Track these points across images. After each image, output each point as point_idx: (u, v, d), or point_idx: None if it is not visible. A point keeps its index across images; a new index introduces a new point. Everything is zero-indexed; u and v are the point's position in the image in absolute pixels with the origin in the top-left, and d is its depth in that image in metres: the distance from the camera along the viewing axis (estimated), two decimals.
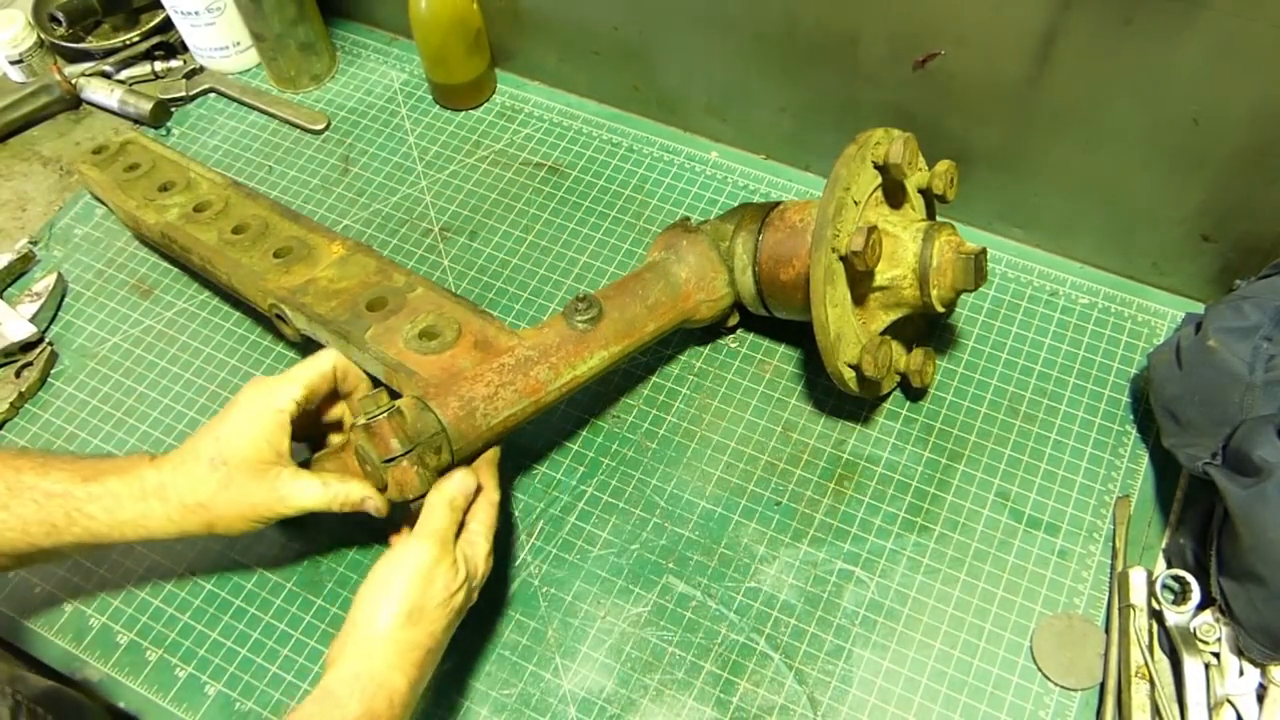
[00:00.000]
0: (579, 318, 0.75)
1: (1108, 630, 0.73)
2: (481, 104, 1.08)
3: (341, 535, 0.80)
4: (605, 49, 1.01)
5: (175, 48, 1.13)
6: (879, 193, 0.77)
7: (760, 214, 0.81)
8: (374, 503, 0.67)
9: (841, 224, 0.71)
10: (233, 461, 0.64)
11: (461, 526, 0.66)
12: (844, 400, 0.84)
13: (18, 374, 0.89)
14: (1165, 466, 0.79)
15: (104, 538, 0.65)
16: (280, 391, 0.66)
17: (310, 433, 0.73)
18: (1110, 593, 0.74)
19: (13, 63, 1.09)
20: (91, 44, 1.12)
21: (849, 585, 0.76)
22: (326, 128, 1.07)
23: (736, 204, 0.92)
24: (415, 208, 1.00)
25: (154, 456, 0.67)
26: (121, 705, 0.74)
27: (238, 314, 0.94)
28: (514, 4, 1.02)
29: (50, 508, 0.64)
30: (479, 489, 0.68)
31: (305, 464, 0.74)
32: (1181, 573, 0.71)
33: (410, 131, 1.07)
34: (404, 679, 0.59)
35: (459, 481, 0.66)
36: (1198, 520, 0.74)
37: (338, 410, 0.74)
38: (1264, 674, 0.66)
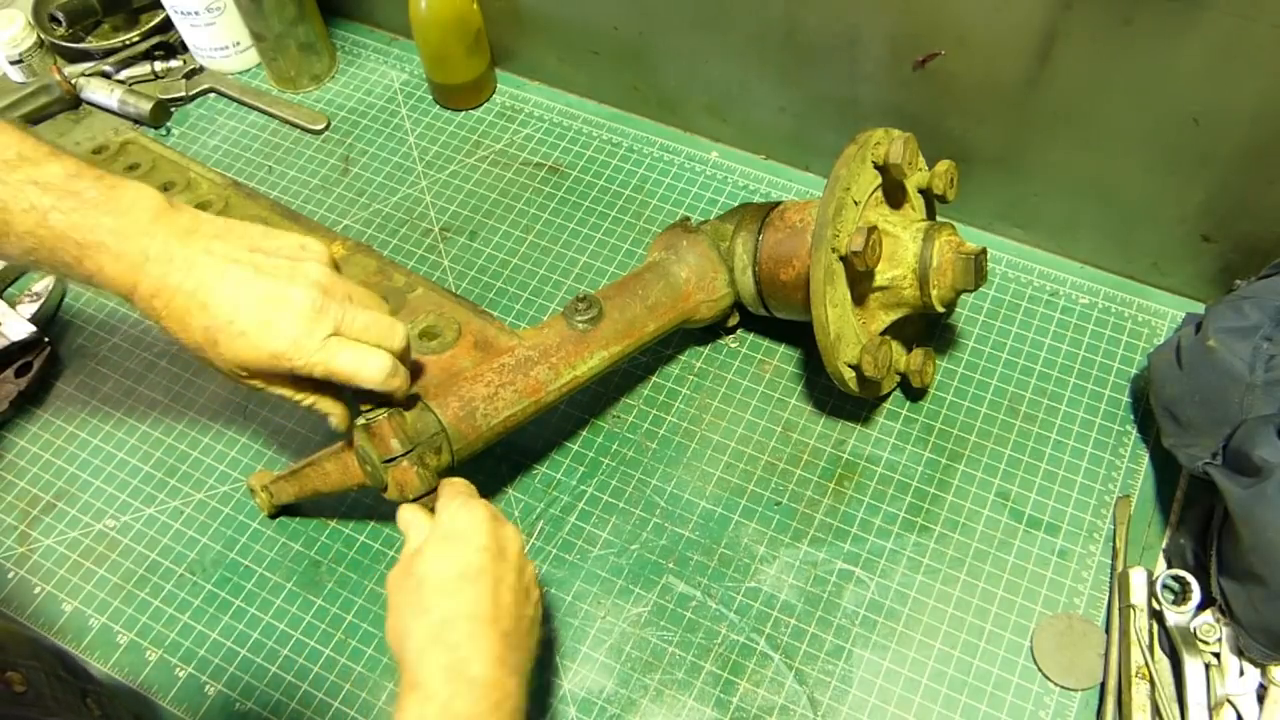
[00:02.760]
0: (579, 318, 0.75)
1: (1108, 630, 0.73)
2: (481, 104, 1.08)
3: (342, 534, 0.81)
4: (605, 49, 1.01)
5: (175, 48, 1.13)
6: (879, 193, 0.77)
7: (760, 214, 0.81)
8: (398, 381, 0.61)
9: (841, 224, 0.71)
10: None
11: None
12: (844, 400, 0.84)
13: (18, 374, 0.89)
14: (1165, 466, 0.79)
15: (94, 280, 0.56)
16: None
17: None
18: (1110, 593, 0.74)
19: (13, 63, 1.09)
20: (91, 44, 1.12)
21: (849, 585, 0.76)
22: (326, 128, 1.07)
23: (736, 204, 0.92)
24: (415, 208, 1.00)
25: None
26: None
27: None
28: (514, 4, 1.02)
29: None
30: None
31: (296, 470, 0.74)
32: (1181, 573, 0.71)
33: (410, 131, 1.07)
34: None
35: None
36: (1198, 520, 0.74)
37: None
38: (1264, 674, 0.66)
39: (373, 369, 0.59)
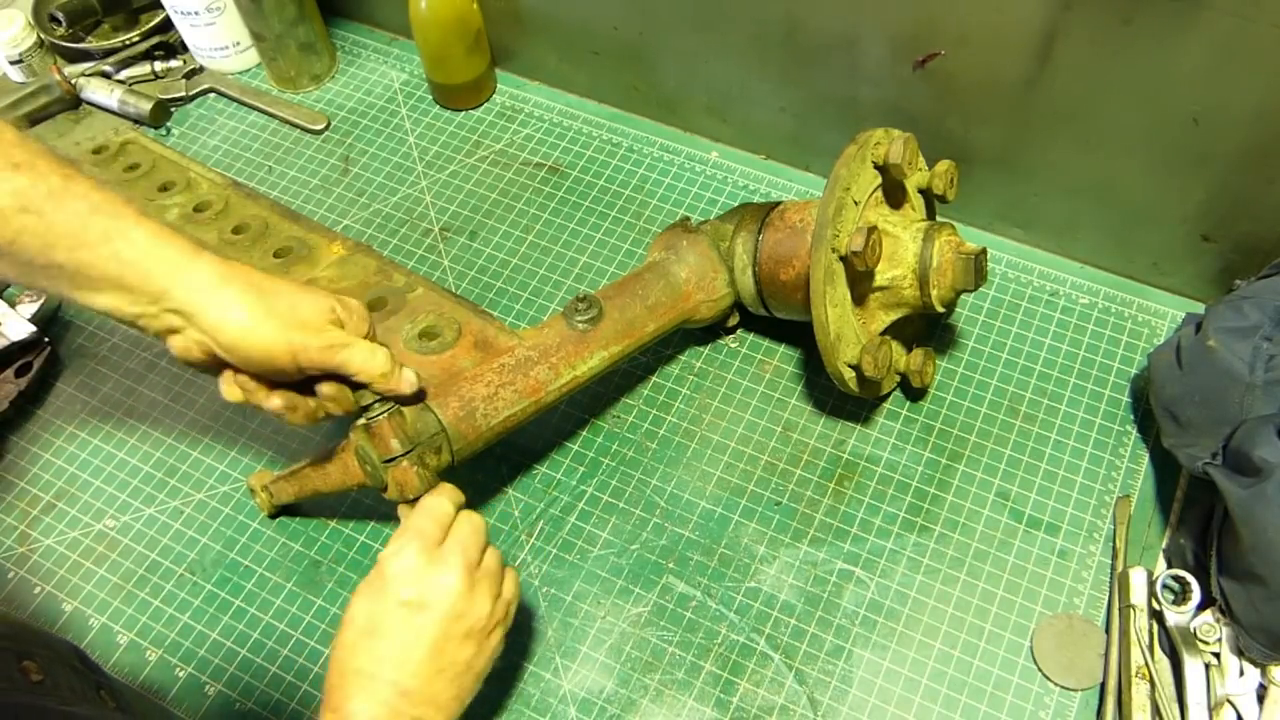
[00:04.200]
0: (579, 318, 0.75)
1: (1108, 630, 0.73)
2: (481, 104, 1.08)
3: (342, 534, 0.81)
4: (605, 49, 1.01)
5: (175, 48, 1.13)
6: (879, 193, 0.77)
7: (760, 214, 0.81)
8: (411, 375, 0.65)
9: (841, 224, 0.71)
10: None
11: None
12: (844, 400, 0.84)
13: (18, 374, 0.89)
14: (1165, 466, 0.79)
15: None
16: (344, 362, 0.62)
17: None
18: (1110, 593, 0.74)
19: (13, 63, 1.09)
20: (91, 44, 1.12)
21: (849, 585, 0.76)
22: (326, 128, 1.07)
23: (736, 204, 0.92)
24: (415, 208, 1.00)
25: (224, 269, 0.59)
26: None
27: None
28: (514, 4, 1.02)
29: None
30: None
31: (296, 470, 0.74)
32: (1181, 573, 0.71)
33: (410, 131, 1.07)
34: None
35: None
36: (1198, 520, 0.74)
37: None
38: (1264, 674, 0.66)
39: (380, 360, 0.62)
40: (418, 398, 0.67)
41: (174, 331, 0.59)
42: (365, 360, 0.62)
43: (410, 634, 0.58)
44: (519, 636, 0.75)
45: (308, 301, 0.60)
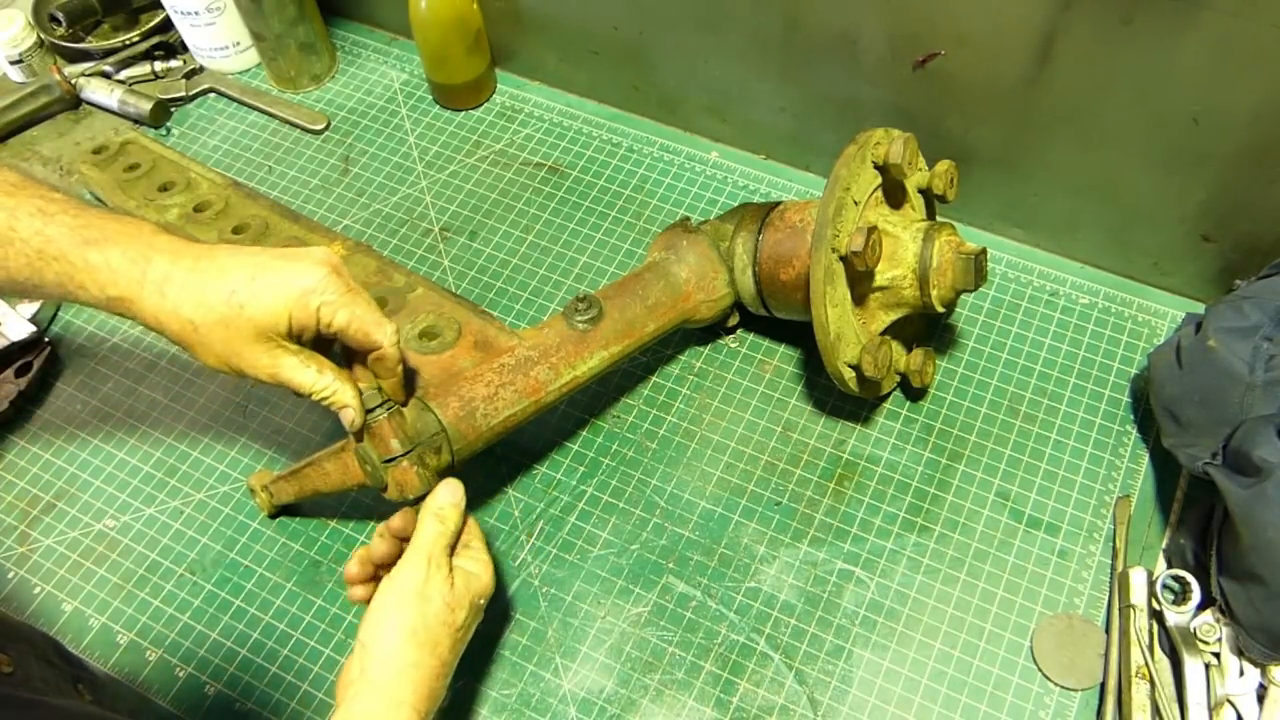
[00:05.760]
0: (579, 318, 0.75)
1: (1108, 630, 0.73)
2: (481, 104, 1.08)
3: (342, 534, 0.81)
4: (605, 49, 1.01)
5: (175, 48, 1.13)
6: (879, 193, 0.77)
7: (760, 214, 0.81)
8: (351, 414, 0.63)
9: (841, 224, 0.71)
10: (250, 309, 0.59)
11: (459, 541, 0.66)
12: (844, 400, 0.84)
13: (18, 374, 0.89)
14: (1165, 466, 0.79)
15: (85, 303, 0.60)
16: (333, 305, 0.62)
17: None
18: (1110, 593, 0.74)
19: (13, 63, 1.09)
20: (91, 44, 1.12)
21: (849, 585, 0.76)
22: (326, 128, 1.07)
23: (736, 204, 0.92)
24: (415, 208, 1.00)
25: (167, 231, 0.61)
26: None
27: None
28: (514, 4, 1.02)
29: (41, 266, 0.58)
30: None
31: (296, 470, 0.74)
32: (1181, 573, 0.71)
33: (410, 131, 1.07)
34: (415, 714, 0.58)
35: (444, 492, 0.65)
36: (1198, 520, 0.74)
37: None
38: (1264, 674, 0.66)
39: (389, 328, 0.63)
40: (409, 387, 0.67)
41: None
42: (377, 319, 0.63)
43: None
44: (519, 636, 0.75)
45: (311, 256, 0.61)
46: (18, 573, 0.80)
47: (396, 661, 0.58)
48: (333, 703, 0.73)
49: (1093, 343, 0.87)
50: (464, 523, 0.66)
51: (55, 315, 0.94)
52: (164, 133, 1.09)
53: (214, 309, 0.59)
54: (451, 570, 0.63)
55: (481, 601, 0.65)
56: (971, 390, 0.85)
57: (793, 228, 0.78)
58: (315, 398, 0.62)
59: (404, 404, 0.67)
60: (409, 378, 0.69)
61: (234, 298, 0.59)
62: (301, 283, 0.60)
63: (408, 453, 0.64)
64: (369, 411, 0.64)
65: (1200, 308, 0.87)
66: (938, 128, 0.86)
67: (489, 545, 0.68)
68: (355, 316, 0.62)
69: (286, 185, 1.03)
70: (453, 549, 0.65)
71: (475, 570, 0.65)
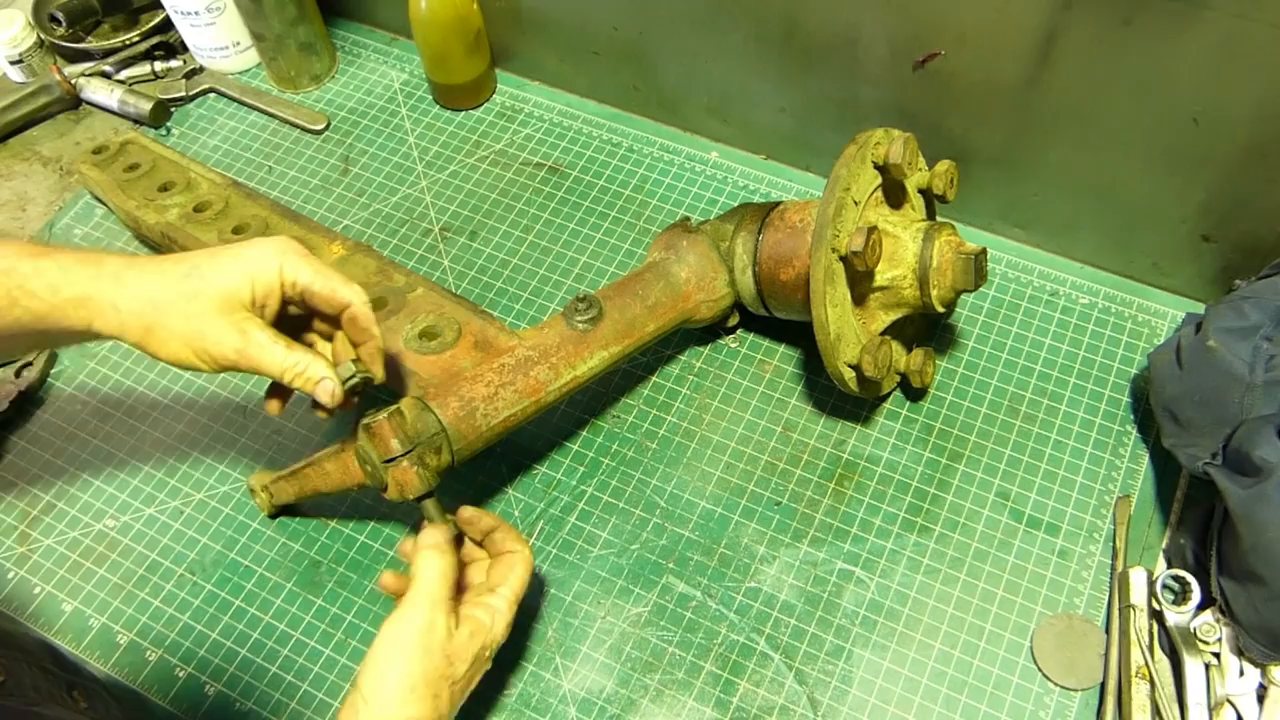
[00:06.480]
0: (579, 318, 0.75)
1: (1108, 630, 0.73)
2: (481, 104, 1.08)
3: (342, 534, 0.81)
4: (605, 49, 1.01)
5: (175, 48, 1.13)
6: (879, 193, 0.77)
7: (760, 214, 0.81)
8: (330, 385, 0.60)
9: (841, 224, 0.71)
10: (210, 279, 0.57)
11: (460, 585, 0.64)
12: (844, 400, 0.84)
13: (18, 374, 0.89)
14: (1165, 466, 0.79)
15: (45, 320, 0.56)
16: (295, 264, 0.60)
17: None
18: (1110, 593, 0.74)
19: (13, 63, 1.09)
20: (91, 44, 1.12)
21: (849, 585, 0.76)
22: (326, 128, 1.07)
23: (736, 204, 0.92)
24: (415, 208, 1.00)
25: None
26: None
27: None
28: (514, 4, 1.02)
29: None
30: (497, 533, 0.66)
31: (296, 470, 0.74)
32: (1181, 573, 0.71)
33: (410, 131, 1.07)
34: None
35: (430, 534, 0.63)
36: (1198, 520, 0.74)
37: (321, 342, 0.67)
38: (1264, 674, 0.66)
39: (357, 287, 0.61)
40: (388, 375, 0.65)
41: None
42: (271, 361, 0.59)
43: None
44: (519, 637, 0.75)
45: (210, 327, 0.57)
46: (18, 573, 0.80)
47: (394, 717, 0.56)
48: (333, 703, 0.73)
49: (1093, 343, 0.87)
50: (458, 570, 0.63)
51: None
52: (164, 133, 1.09)
53: (174, 284, 0.56)
54: (459, 617, 0.60)
55: (488, 653, 0.62)
56: (971, 390, 0.85)
57: (793, 228, 0.78)
58: (288, 377, 0.59)
59: (381, 378, 0.64)
60: (394, 371, 0.68)
61: (195, 271, 0.57)
62: (262, 250, 0.59)
63: (408, 453, 0.64)
64: (369, 412, 0.64)
65: (1200, 308, 0.87)
66: (938, 128, 0.86)
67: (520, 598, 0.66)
68: (320, 272, 0.60)
69: (286, 185, 1.03)
70: (461, 588, 0.62)
71: (485, 620, 0.62)
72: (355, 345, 0.63)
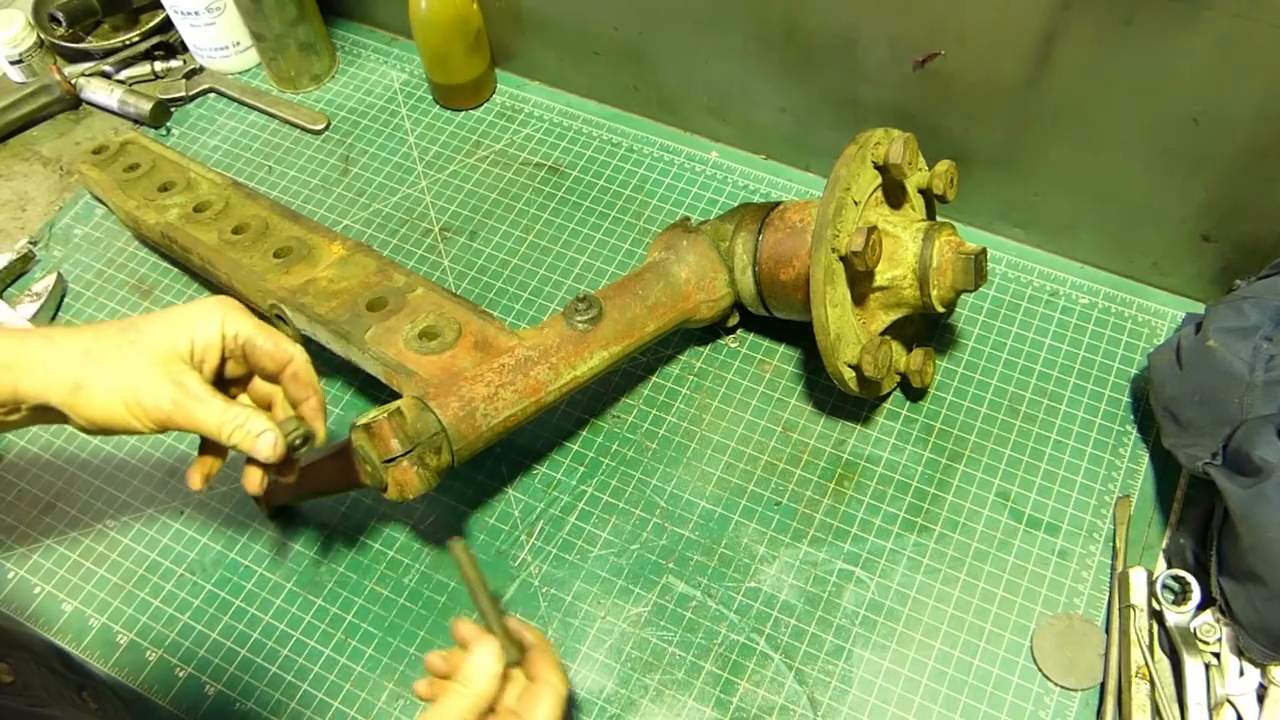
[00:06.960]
0: (579, 318, 0.75)
1: (1108, 630, 0.73)
2: (481, 104, 1.08)
3: (342, 534, 0.81)
4: (605, 49, 1.01)
5: (175, 48, 1.13)
6: (879, 193, 0.77)
7: (760, 214, 0.81)
8: (272, 438, 0.57)
9: (841, 224, 0.71)
10: (148, 332, 0.56)
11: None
12: (844, 400, 0.84)
13: None
14: (1165, 466, 0.79)
15: None
16: (237, 318, 0.59)
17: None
18: (1110, 593, 0.74)
19: (13, 63, 1.09)
20: (91, 44, 1.12)
21: (849, 585, 0.76)
22: (326, 128, 1.07)
23: (736, 204, 0.92)
24: (415, 208, 1.00)
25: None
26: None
27: None
28: (514, 4, 1.02)
29: None
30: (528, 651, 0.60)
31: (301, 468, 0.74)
32: (1181, 573, 0.71)
33: (410, 131, 1.07)
34: None
35: (489, 653, 0.56)
36: (1198, 520, 0.74)
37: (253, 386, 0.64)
38: (1264, 674, 0.66)
39: (299, 344, 0.61)
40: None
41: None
42: (207, 418, 0.57)
43: None
44: None
45: (144, 387, 0.55)
46: (18, 573, 0.80)
47: None
48: (333, 703, 0.73)
49: (1093, 343, 0.87)
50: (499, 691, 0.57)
51: (55, 315, 0.94)
52: (164, 133, 1.09)
53: (109, 337, 0.55)
54: None
55: None
56: (971, 390, 0.85)
57: (793, 228, 0.78)
58: (225, 432, 0.57)
59: (324, 438, 0.62)
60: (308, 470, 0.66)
61: (133, 326, 0.56)
62: (203, 305, 0.58)
63: (408, 453, 0.64)
64: (369, 412, 0.64)
65: (1200, 308, 0.87)
66: (938, 128, 0.86)
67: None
68: (262, 327, 0.59)
69: (286, 185, 1.03)
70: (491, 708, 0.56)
71: None
72: (295, 404, 0.62)
